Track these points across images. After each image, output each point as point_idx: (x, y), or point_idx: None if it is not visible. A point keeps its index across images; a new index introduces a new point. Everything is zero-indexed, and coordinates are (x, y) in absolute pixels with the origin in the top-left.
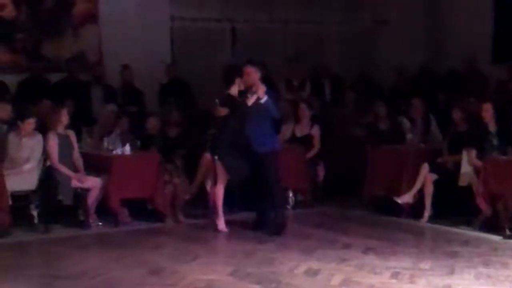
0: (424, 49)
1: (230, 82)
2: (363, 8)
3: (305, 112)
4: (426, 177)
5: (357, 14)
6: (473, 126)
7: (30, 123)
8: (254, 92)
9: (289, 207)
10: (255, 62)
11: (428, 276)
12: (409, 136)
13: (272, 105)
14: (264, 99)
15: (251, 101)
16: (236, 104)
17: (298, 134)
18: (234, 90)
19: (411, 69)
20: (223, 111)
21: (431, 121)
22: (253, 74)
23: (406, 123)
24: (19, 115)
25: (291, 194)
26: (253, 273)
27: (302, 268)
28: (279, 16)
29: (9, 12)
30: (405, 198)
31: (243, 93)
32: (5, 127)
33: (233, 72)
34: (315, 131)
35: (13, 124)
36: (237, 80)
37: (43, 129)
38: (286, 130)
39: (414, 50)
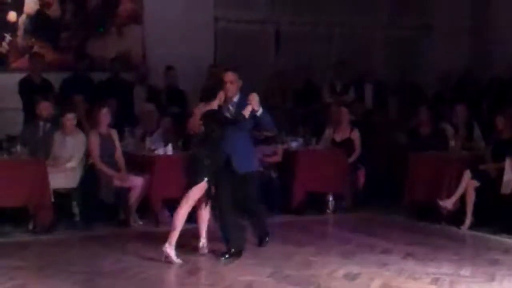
0: (469, 54)
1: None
2: (408, 12)
3: (345, 116)
4: (468, 184)
5: (402, 19)
6: None
7: (69, 119)
8: (248, 104)
9: (329, 211)
10: (235, 68)
11: (468, 283)
12: (451, 142)
13: (268, 118)
14: (260, 111)
15: (246, 113)
16: (221, 120)
17: (338, 138)
18: (215, 105)
19: (455, 75)
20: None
21: (474, 128)
22: (236, 82)
23: (449, 130)
24: (61, 112)
25: (331, 199)
26: (292, 275)
27: (341, 272)
28: (325, 19)
29: (55, 10)
30: (447, 204)
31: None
32: (48, 125)
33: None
34: (355, 135)
35: (56, 122)
36: (221, 94)
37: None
38: (327, 135)
39: (458, 55)
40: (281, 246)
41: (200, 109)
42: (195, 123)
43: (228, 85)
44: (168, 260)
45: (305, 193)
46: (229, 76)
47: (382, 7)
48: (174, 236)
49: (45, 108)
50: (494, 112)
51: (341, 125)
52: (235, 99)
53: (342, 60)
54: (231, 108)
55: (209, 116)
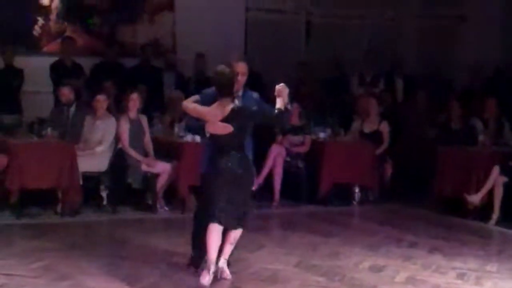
0: (501, 47)
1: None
2: (440, 4)
3: (374, 107)
4: (496, 179)
5: (435, 10)
6: None
7: (99, 101)
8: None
9: (355, 202)
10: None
11: (494, 279)
12: (481, 137)
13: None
14: (289, 105)
15: (282, 107)
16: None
17: (366, 130)
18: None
19: (487, 68)
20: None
21: (504, 123)
22: (246, 75)
23: (479, 124)
24: (92, 94)
25: (357, 190)
26: (318, 265)
27: (367, 263)
28: (356, 10)
29: None
30: (474, 199)
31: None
32: (71, 109)
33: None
34: (384, 127)
35: (82, 104)
36: (284, 92)
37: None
38: (355, 126)
39: (491, 48)
40: (308, 236)
41: (214, 110)
42: (219, 127)
43: (240, 77)
44: (223, 276)
45: (332, 184)
46: (242, 67)
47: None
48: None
49: (63, 93)
50: None
51: (370, 117)
52: (240, 92)
53: (372, 51)
54: (237, 102)
55: (245, 115)
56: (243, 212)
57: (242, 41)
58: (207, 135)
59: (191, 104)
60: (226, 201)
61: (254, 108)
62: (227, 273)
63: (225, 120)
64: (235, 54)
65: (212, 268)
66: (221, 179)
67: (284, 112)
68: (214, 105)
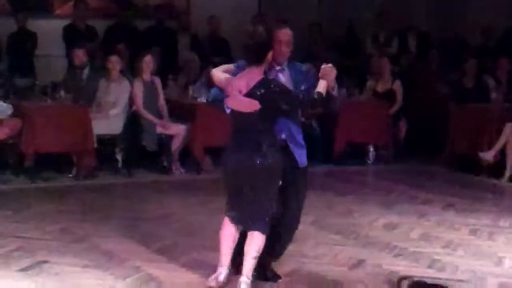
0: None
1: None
2: None
3: (387, 67)
4: (509, 136)
5: None
6: None
7: (113, 62)
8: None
9: (369, 161)
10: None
11: (507, 234)
12: (493, 95)
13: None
14: (336, 89)
15: (324, 91)
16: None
17: (380, 89)
18: (261, 72)
19: (500, 27)
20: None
21: None
22: (292, 44)
23: (492, 82)
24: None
25: (371, 149)
26: (333, 223)
27: (381, 221)
28: None
29: None
30: (487, 156)
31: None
32: (85, 71)
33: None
34: (397, 86)
35: (96, 67)
36: (269, 56)
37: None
38: (369, 86)
39: (502, 9)
40: (323, 195)
41: (237, 80)
42: (241, 103)
43: (284, 47)
44: None
45: (346, 143)
46: (287, 35)
47: None
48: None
49: (77, 56)
50: None
51: (383, 76)
52: (284, 65)
53: (384, 11)
54: (282, 78)
55: (270, 90)
56: (262, 211)
57: (256, 2)
58: (227, 111)
59: (218, 72)
60: (240, 196)
61: (297, 86)
62: None
63: (250, 95)
64: (275, 19)
65: (222, 273)
66: (234, 171)
67: (326, 98)
68: (240, 75)
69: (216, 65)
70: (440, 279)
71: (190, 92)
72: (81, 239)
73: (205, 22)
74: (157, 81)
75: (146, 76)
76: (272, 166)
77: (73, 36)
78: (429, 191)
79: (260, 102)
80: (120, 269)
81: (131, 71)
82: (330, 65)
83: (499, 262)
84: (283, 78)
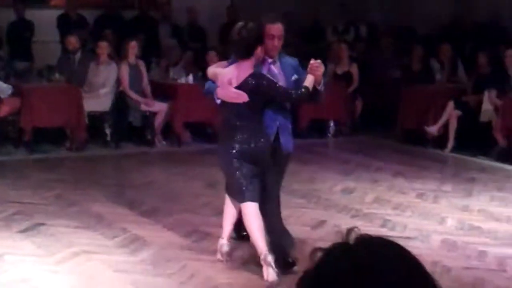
0: (455, 2)
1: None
2: None
3: (345, 52)
4: (451, 113)
5: None
6: (495, 70)
7: (102, 47)
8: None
9: (330, 135)
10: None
11: (449, 198)
12: (438, 77)
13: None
14: (322, 84)
15: (310, 86)
16: (279, 93)
17: (339, 71)
18: (251, 66)
19: (443, 19)
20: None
21: (458, 65)
22: (282, 39)
23: (436, 65)
24: (95, 43)
25: (332, 124)
26: (297, 189)
27: (340, 187)
28: None
29: None
30: (432, 129)
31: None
32: (77, 55)
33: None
34: (354, 69)
35: (87, 52)
36: (259, 51)
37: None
38: (330, 69)
39: (445, 3)
40: (290, 165)
41: (228, 73)
42: (231, 94)
43: (276, 41)
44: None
45: (310, 119)
46: (279, 29)
47: None
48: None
49: (70, 42)
50: (476, 51)
51: (342, 60)
52: (276, 58)
53: (342, 3)
54: (274, 70)
55: (259, 85)
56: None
57: None
58: (218, 102)
59: (211, 68)
60: (247, 177)
61: (289, 79)
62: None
63: (240, 87)
64: (270, 14)
65: (224, 244)
66: (233, 157)
67: (312, 92)
68: (230, 67)
69: (194, 50)
70: (391, 237)
71: (171, 74)
72: (74, 203)
73: (184, 12)
74: (141, 64)
75: (131, 59)
76: (255, 151)
77: (66, 24)
78: (381, 160)
79: (249, 95)
80: (109, 230)
81: (118, 55)
82: (318, 61)
83: (442, 221)
84: (276, 70)
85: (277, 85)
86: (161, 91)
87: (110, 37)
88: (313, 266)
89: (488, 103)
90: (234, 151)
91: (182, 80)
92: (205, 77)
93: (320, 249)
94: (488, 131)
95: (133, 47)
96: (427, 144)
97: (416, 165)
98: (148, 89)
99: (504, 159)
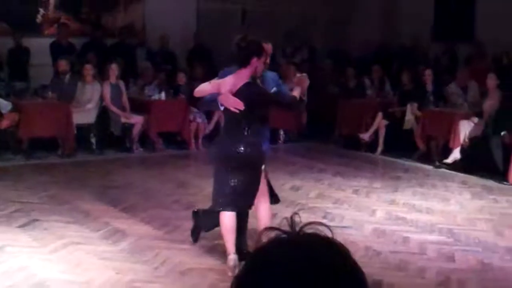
0: (382, 30)
1: None
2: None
3: (292, 71)
4: (380, 122)
5: (333, 5)
6: (416, 86)
7: (87, 69)
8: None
9: (280, 141)
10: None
11: (379, 193)
12: (369, 92)
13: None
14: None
15: (298, 96)
16: (274, 100)
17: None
18: (247, 75)
19: (373, 44)
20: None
21: (385, 82)
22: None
23: (368, 82)
24: (81, 65)
25: (282, 132)
26: None
27: (288, 185)
28: (280, 3)
29: None
30: (365, 136)
31: None
32: (67, 77)
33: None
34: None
35: (75, 73)
36: (256, 62)
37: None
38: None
39: (375, 30)
40: None
41: (228, 82)
42: (229, 100)
43: (267, 59)
44: None
45: None
46: (270, 48)
47: None
48: None
49: (60, 65)
50: (400, 71)
51: (290, 79)
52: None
53: (290, 32)
54: (260, 84)
55: (256, 92)
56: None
57: (195, 24)
58: (221, 108)
59: (201, 85)
60: (236, 184)
61: (269, 90)
62: None
63: (237, 94)
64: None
65: (232, 259)
66: (230, 162)
67: (299, 101)
68: (230, 77)
69: (166, 71)
70: (331, 227)
71: (146, 91)
72: (65, 202)
73: (157, 39)
74: (121, 83)
75: (113, 79)
76: (251, 155)
77: (57, 50)
78: (323, 162)
79: (245, 103)
80: (94, 224)
81: (101, 76)
82: (304, 74)
83: (373, 213)
84: (261, 84)
85: (271, 93)
86: (138, 106)
87: (94, 61)
88: (255, 253)
89: (410, 114)
90: (236, 153)
91: (156, 97)
92: (175, 94)
93: (269, 228)
94: (410, 137)
95: (114, 69)
96: (360, 148)
97: (352, 166)
98: (127, 104)
99: (423, 161)
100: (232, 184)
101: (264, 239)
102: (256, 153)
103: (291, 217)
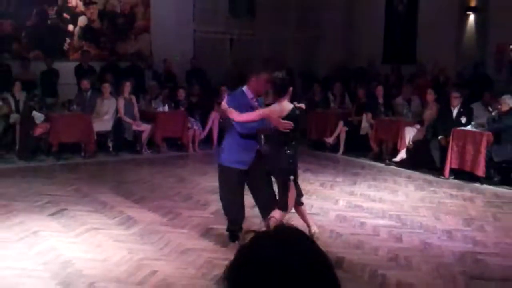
0: (345, 52)
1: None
2: (306, 26)
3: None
4: (341, 128)
5: (305, 30)
6: (370, 99)
7: (105, 87)
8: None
9: (262, 143)
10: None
11: (341, 186)
12: (332, 104)
13: None
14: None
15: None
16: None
17: (267, 102)
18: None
19: (336, 64)
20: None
21: (345, 96)
22: None
23: (331, 97)
24: (100, 84)
25: (262, 137)
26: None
27: None
28: (260, 31)
29: (97, 24)
30: (329, 140)
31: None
32: (89, 93)
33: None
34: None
35: (95, 90)
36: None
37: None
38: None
39: (338, 52)
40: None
41: (276, 109)
42: (279, 123)
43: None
44: None
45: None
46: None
47: (290, 22)
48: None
49: (83, 84)
50: (357, 87)
51: (269, 95)
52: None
53: (267, 57)
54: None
55: (295, 116)
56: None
57: (191, 51)
58: (271, 126)
59: (247, 116)
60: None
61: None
62: None
63: (284, 118)
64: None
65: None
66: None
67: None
68: (275, 105)
69: (169, 88)
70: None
71: (153, 105)
72: (87, 195)
73: (161, 63)
74: (133, 98)
75: (126, 95)
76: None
77: (80, 72)
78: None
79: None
80: (111, 212)
81: (117, 92)
82: (302, 105)
83: (336, 202)
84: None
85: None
86: (146, 116)
87: (111, 80)
88: (239, 253)
89: (366, 122)
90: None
91: (160, 109)
92: (176, 107)
93: (250, 231)
94: (366, 141)
95: (127, 87)
96: (326, 149)
97: (319, 164)
98: (137, 115)
99: (376, 159)
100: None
101: (247, 239)
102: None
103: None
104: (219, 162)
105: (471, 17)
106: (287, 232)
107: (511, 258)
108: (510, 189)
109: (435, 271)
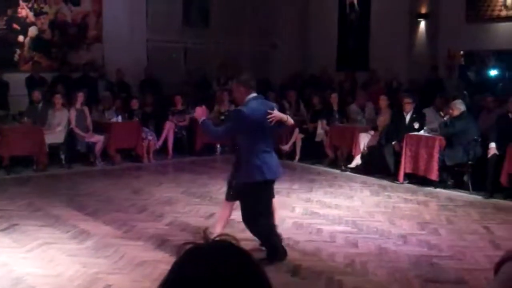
0: (300, 62)
1: None
2: (261, 34)
3: (226, 97)
4: (297, 136)
5: (261, 41)
6: (324, 107)
7: (57, 98)
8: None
9: (217, 153)
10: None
11: (297, 193)
12: (288, 112)
13: None
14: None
15: None
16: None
17: (222, 110)
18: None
19: (290, 73)
20: None
21: (300, 104)
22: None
23: (286, 105)
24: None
25: (218, 146)
26: (195, 192)
27: (224, 188)
28: (214, 41)
29: (48, 34)
30: (285, 147)
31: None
32: (40, 105)
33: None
34: (232, 107)
35: (47, 102)
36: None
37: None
38: (216, 109)
39: (293, 61)
40: (189, 174)
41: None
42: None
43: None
44: None
45: (203, 143)
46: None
47: (247, 35)
48: None
49: (34, 95)
50: (312, 94)
51: (223, 102)
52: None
53: (224, 63)
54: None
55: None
56: None
57: (145, 60)
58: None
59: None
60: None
61: None
62: None
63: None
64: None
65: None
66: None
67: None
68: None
69: (122, 98)
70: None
71: (106, 115)
72: (39, 209)
73: (114, 72)
74: (85, 109)
75: (78, 106)
76: None
77: (31, 83)
78: None
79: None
80: (64, 226)
81: (69, 103)
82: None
83: (293, 210)
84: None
85: None
86: (99, 127)
87: (63, 91)
88: (172, 265)
89: (321, 129)
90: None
91: (114, 119)
92: (130, 117)
93: (186, 244)
94: (321, 147)
95: (80, 97)
96: (282, 157)
97: None
98: (90, 125)
99: (332, 166)
100: None
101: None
102: None
103: (204, 231)
104: (244, 182)
105: (422, 24)
106: (220, 247)
107: (465, 261)
108: (463, 193)
109: (391, 276)
